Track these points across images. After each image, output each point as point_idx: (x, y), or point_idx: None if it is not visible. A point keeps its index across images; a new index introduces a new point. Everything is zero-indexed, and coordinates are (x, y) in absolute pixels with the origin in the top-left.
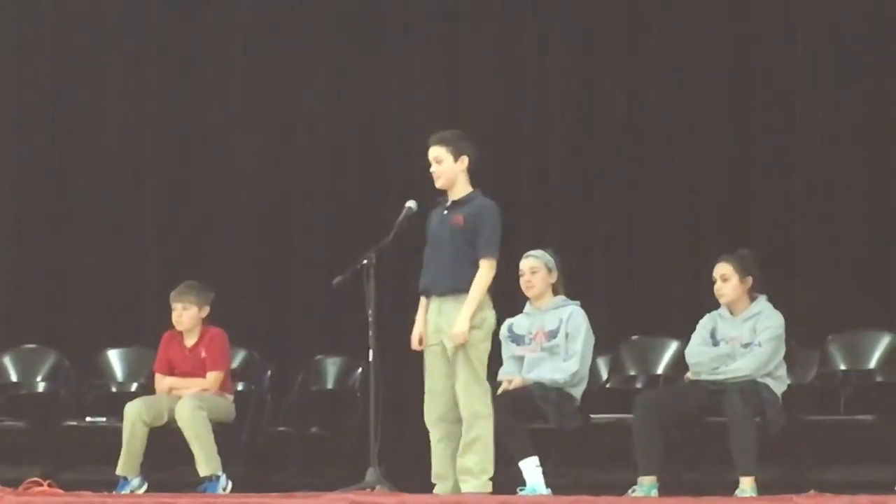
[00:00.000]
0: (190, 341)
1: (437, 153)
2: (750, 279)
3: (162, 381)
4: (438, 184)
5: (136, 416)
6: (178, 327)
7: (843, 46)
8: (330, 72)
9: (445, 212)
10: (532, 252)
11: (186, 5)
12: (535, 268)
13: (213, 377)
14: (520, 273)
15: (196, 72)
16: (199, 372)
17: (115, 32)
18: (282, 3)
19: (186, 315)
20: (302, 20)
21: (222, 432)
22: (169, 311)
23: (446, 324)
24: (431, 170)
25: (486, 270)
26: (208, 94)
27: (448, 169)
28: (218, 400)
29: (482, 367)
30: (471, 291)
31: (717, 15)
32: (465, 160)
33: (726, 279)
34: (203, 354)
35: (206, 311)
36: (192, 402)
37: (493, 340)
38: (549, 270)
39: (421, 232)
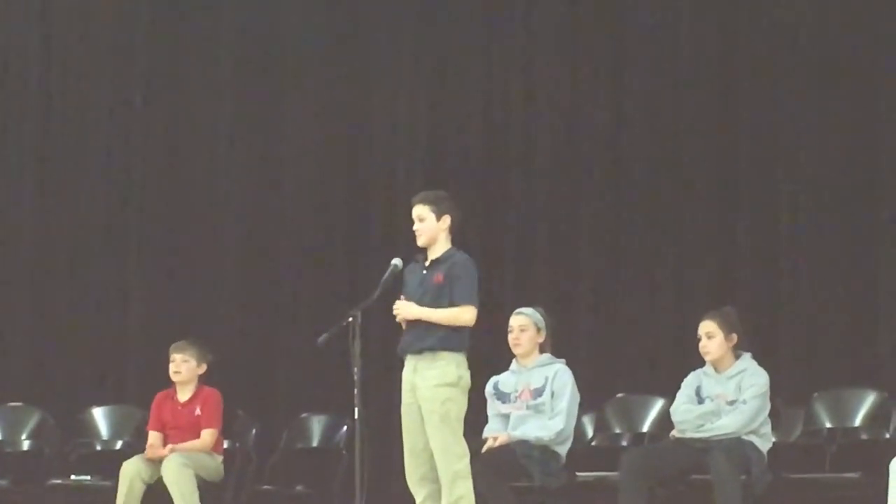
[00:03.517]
0: (184, 396)
1: (419, 212)
2: (735, 336)
3: (157, 448)
4: (420, 241)
5: (135, 474)
6: (176, 378)
7: (829, 100)
8: (315, 126)
9: (425, 271)
10: (523, 309)
11: (168, 52)
12: (525, 326)
13: (209, 434)
14: (508, 329)
15: (180, 137)
16: (190, 428)
17: (98, 87)
18: (267, 47)
19: (185, 367)
20: (285, 62)
21: (210, 491)
22: (155, 368)
23: (421, 382)
24: (414, 227)
25: (462, 311)
26: (193, 158)
27: (430, 227)
28: (206, 459)
29: (459, 427)
30: (438, 311)
31: (702, 77)
32: (446, 220)
33: (711, 337)
34: (197, 412)
35: (203, 368)
36: (179, 459)
37: (470, 400)
38: (538, 330)
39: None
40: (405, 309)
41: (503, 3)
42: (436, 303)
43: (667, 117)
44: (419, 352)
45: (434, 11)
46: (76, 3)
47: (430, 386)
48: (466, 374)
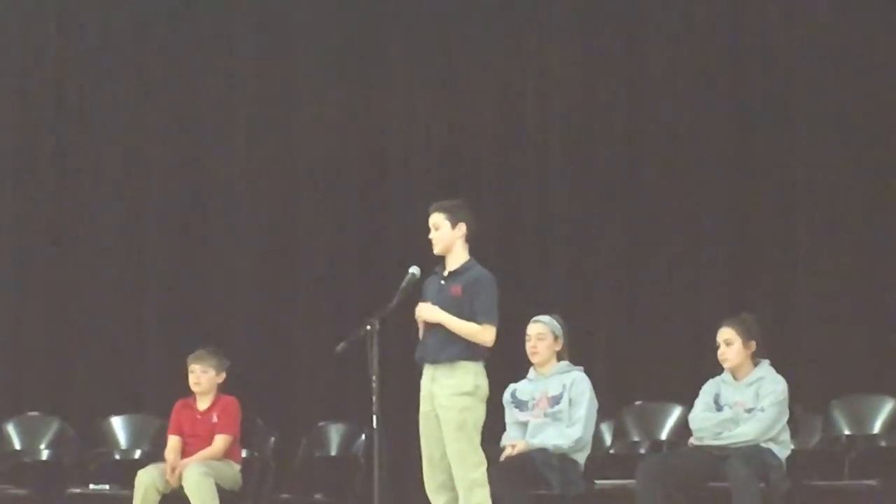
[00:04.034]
0: (203, 405)
1: (435, 220)
2: (753, 344)
3: (174, 468)
4: (436, 250)
5: (150, 484)
6: (196, 389)
7: (844, 102)
8: (330, 136)
9: (443, 282)
10: (540, 318)
11: (184, 76)
12: (542, 334)
13: (222, 440)
14: (526, 338)
15: (197, 145)
16: (208, 436)
17: (110, 107)
18: (282, 59)
19: (206, 377)
20: (300, 73)
21: (229, 500)
22: (173, 376)
23: (439, 391)
24: (430, 236)
25: (483, 330)
26: (210, 166)
27: (445, 235)
28: (225, 467)
29: (476, 435)
30: (461, 321)
31: (716, 78)
32: (462, 227)
33: (730, 344)
34: (215, 419)
35: (222, 377)
36: (199, 468)
37: (487, 408)
38: (556, 338)
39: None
40: (428, 312)
41: (516, 7)
42: (451, 314)
43: (682, 124)
44: (437, 361)
45: (447, 22)
46: (91, 17)
47: (448, 395)
48: (484, 383)
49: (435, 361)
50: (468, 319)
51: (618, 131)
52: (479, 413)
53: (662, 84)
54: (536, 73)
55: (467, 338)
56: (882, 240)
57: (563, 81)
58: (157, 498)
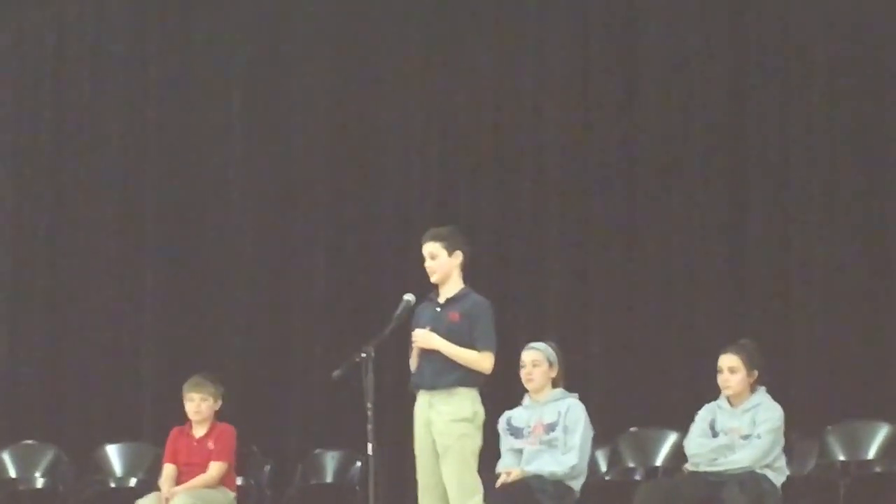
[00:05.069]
0: (199, 432)
1: (431, 249)
2: (756, 372)
3: (167, 480)
4: (433, 278)
5: None
6: (196, 417)
7: (840, 127)
8: (325, 163)
9: (439, 309)
10: (535, 344)
11: (181, 74)
12: (537, 361)
13: (217, 467)
14: (520, 364)
15: (191, 161)
16: (204, 464)
17: (109, 109)
18: (275, 68)
19: (205, 405)
20: (294, 87)
21: None
22: (169, 404)
23: (437, 417)
24: (426, 265)
25: (482, 357)
26: (208, 190)
27: (442, 264)
28: (217, 495)
29: (474, 462)
30: (460, 349)
31: (711, 103)
32: (458, 255)
33: (734, 371)
34: (210, 446)
35: (219, 404)
36: (185, 499)
37: (483, 435)
38: (551, 364)
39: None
40: (426, 339)
41: (513, 20)
42: (449, 341)
43: (678, 150)
44: (434, 388)
45: (445, 33)
46: (89, 14)
47: (446, 421)
48: (481, 410)
49: (432, 388)
50: (467, 346)
51: (614, 157)
52: (476, 440)
53: (659, 105)
54: (532, 96)
55: (466, 365)
56: (878, 265)
57: (558, 104)
58: None
